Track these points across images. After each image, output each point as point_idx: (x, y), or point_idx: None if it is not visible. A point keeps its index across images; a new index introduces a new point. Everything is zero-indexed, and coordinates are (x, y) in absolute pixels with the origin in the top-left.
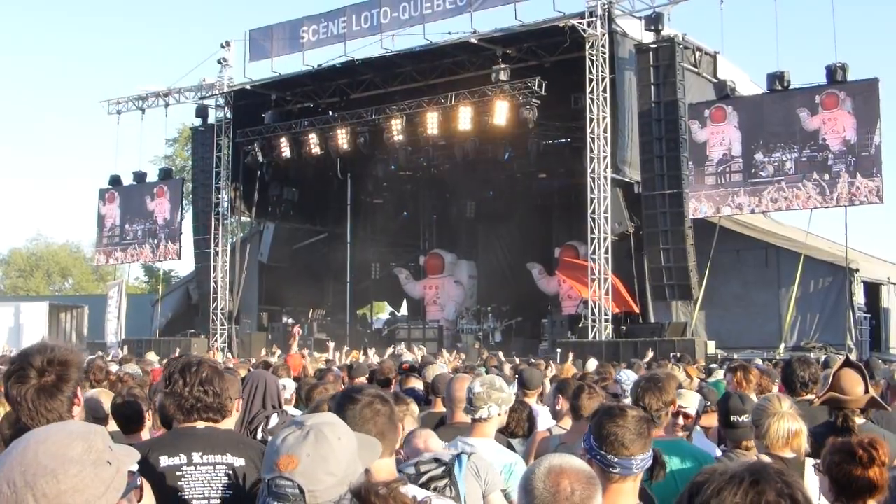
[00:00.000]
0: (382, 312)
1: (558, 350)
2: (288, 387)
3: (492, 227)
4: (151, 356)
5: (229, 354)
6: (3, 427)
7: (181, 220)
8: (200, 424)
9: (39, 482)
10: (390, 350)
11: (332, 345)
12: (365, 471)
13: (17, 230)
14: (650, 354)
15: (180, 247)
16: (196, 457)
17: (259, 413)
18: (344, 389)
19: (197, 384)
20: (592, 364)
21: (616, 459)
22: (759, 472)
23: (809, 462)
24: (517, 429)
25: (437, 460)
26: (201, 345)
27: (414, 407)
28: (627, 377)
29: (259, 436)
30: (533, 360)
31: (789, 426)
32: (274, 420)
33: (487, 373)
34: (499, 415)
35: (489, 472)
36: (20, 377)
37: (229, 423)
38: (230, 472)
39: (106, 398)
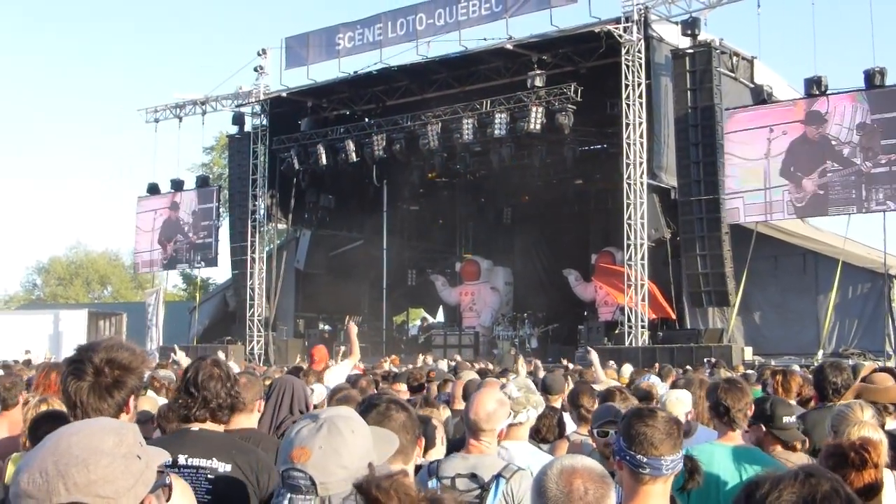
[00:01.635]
0: (418, 319)
1: (590, 351)
2: (317, 392)
3: (528, 233)
4: (181, 356)
5: (261, 361)
6: (164, 418)
7: (219, 227)
8: (195, 427)
9: (71, 471)
10: (421, 359)
11: (342, 349)
12: (369, 465)
13: (57, 238)
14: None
15: (217, 254)
16: (182, 459)
17: (287, 418)
18: (367, 396)
19: (190, 386)
20: (628, 370)
21: (645, 459)
22: (813, 468)
23: (889, 475)
24: (548, 434)
25: (474, 476)
26: (238, 352)
27: (442, 412)
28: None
29: None
30: (571, 366)
31: (870, 436)
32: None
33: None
34: (534, 418)
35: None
36: (77, 371)
37: (246, 422)
38: (211, 476)
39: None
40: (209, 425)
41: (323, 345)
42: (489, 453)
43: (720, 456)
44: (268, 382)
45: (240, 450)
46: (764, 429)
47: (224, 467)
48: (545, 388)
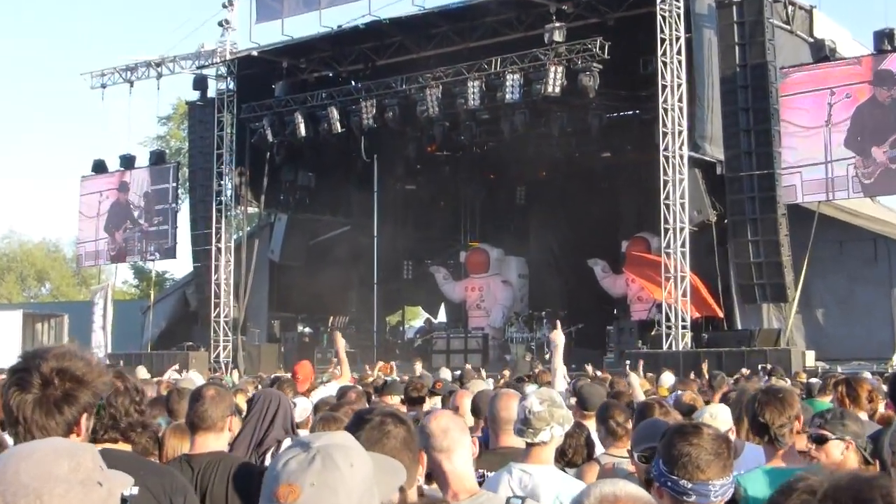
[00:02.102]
0: (416, 319)
1: (627, 362)
2: (300, 407)
3: (546, 216)
4: (142, 371)
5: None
6: None
7: (177, 211)
8: (98, 448)
9: (20, 503)
10: (418, 367)
11: (334, 369)
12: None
13: None
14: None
15: (176, 244)
16: None
17: (269, 436)
18: (357, 410)
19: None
20: (668, 379)
21: (690, 485)
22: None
23: None
24: (575, 456)
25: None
26: (201, 359)
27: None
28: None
29: (268, 461)
30: (599, 374)
31: None
32: (286, 445)
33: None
34: (560, 436)
35: None
36: (22, 382)
37: (214, 443)
38: None
39: None
40: (120, 446)
41: (308, 360)
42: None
43: (764, 483)
44: (240, 397)
45: (151, 471)
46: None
47: (131, 491)
48: (581, 403)
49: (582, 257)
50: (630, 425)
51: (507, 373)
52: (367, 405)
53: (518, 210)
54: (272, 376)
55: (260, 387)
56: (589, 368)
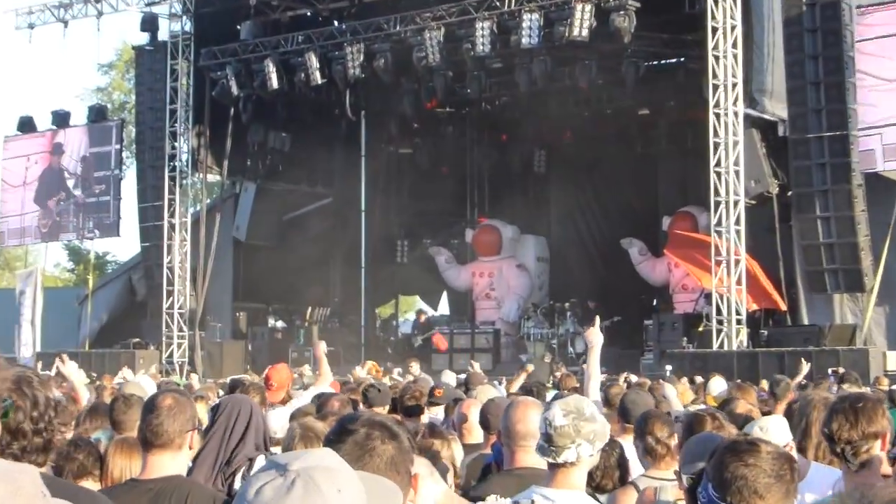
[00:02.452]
0: (413, 311)
1: (668, 367)
2: (276, 419)
3: (571, 186)
4: (71, 369)
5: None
6: None
7: (121, 179)
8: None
9: None
10: (415, 368)
11: (305, 370)
12: None
13: None
14: (805, 368)
15: (119, 219)
16: None
17: (238, 455)
18: (340, 418)
19: None
20: (719, 385)
21: None
22: None
23: None
24: (605, 480)
25: None
26: (150, 360)
27: (458, 448)
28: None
29: (237, 485)
30: (637, 380)
31: None
32: (259, 464)
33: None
34: (591, 456)
35: None
36: None
37: (170, 465)
38: None
39: None
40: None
41: (284, 363)
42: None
43: None
44: (200, 406)
45: (71, 492)
46: None
47: None
48: (624, 415)
49: (614, 237)
50: (674, 441)
51: (523, 376)
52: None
53: (536, 179)
54: (231, 379)
55: (223, 393)
56: (629, 377)
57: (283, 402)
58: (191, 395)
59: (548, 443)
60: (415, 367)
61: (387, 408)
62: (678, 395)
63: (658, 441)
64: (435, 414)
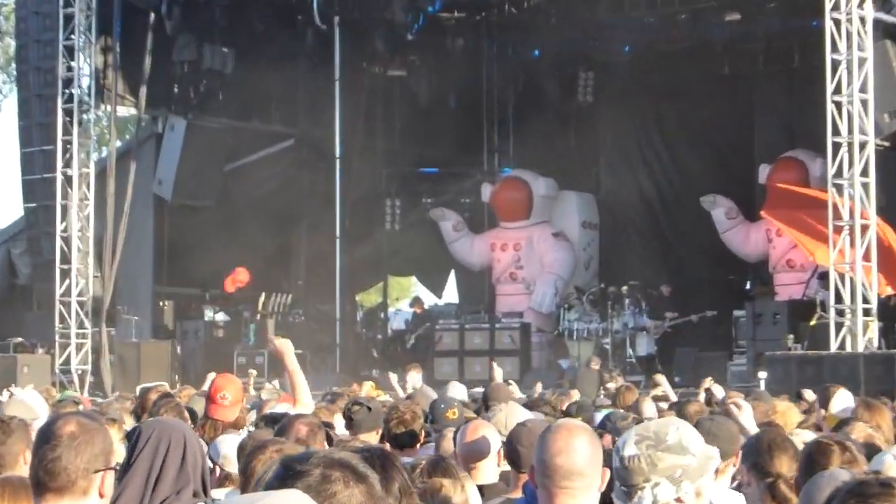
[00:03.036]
0: (408, 298)
1: (762, 376)
2: (224, 448)
3: (629, 123)
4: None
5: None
6: None
7: None
8: None
9: None
10: (411, 379)
11: (253, 373)
12: None
13: None
14: None
15: None
16: None
17: (170, 500)
18: (284, 458)
19: None
20: (844, 400)
21: None
22: None
23: None
24: None
25: None
26: (39, 368)
27: (473, 491)
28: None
29: None
30: (719, 393)
31: None
32: None
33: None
34: (678, 501)
35: None
36: None
37: None
38: None
39: None
40: None
41: (228, 374)
42: None
43: None
44: (113, 432)
45: None
46: None
47: None
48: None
49: (691, 193)
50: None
51: (572, 393)
52: (328, 445)
53: (581, 113)
54: (141, 388)
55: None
56: (711, 388)
57: (236, 425)
58: (102, 418)
59: (620, 482)
60: (413, 377)
61: (378, 433)
62: (777, 415)
63: (787, 483)
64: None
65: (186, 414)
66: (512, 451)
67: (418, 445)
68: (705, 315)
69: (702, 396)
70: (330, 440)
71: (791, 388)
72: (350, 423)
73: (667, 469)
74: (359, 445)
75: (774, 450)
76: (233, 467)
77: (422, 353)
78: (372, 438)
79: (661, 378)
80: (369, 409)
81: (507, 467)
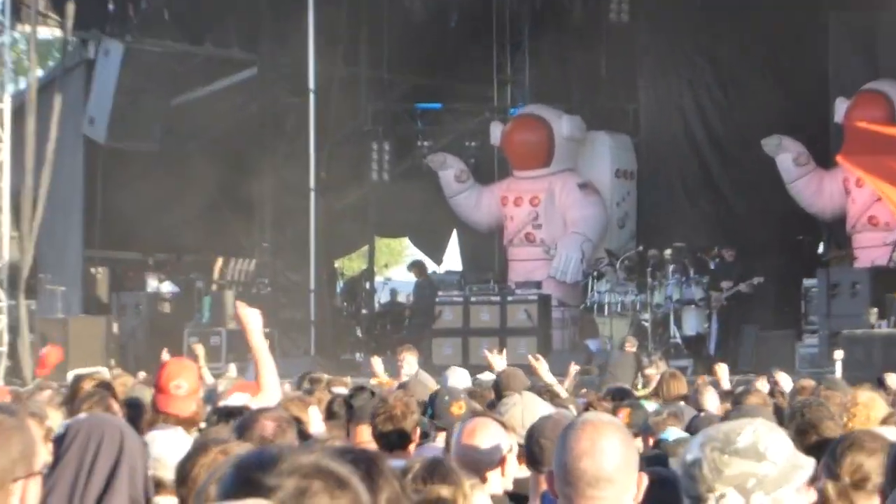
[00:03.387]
0: (398, 266)
1: (838, 356)
2: (173, 449)
3: (672, 47)
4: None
5: None
6: None
7: None
8: None
9: None
10: (410, 359)
11: (201, 349)
12: None
13: None
14: None
15: None
16: None
17: None
18: (235, 464)
19: None
20: None
21: None
22: None
23: None
24: None
25: None
26: None
27: (481, 499)
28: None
29: None
30: (782, 382)
31: None
32: None
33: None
34: None
35: None
36: None
37: None
38: None
39: None
40: None
41: (180, 357)
42: None
43: None
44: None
45: None
46: None
47: None
48: None
49: (751, 135)
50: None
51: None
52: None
53: (614, 34)
54: (73, 374)
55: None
56: (776, 377)
57: (193, 421)
58: (22, 413)
59: (685, 493)
60: (409, 362)
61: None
62: (859, 407)
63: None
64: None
65: (117, 408)
66: (533, 448)
67: (411, 447)
68: (752, 283)
69: (759, 384)
70: (305, 440)
71: (873, 373)
72: (350, 412)
73: (735, 477)
74: (338, 445)
75: (853, 443)
76: (167, 472)
77: (417, 331)
78: (365, 432)
79: (722, 369)
80: (373, 393)
81: (524, 473)
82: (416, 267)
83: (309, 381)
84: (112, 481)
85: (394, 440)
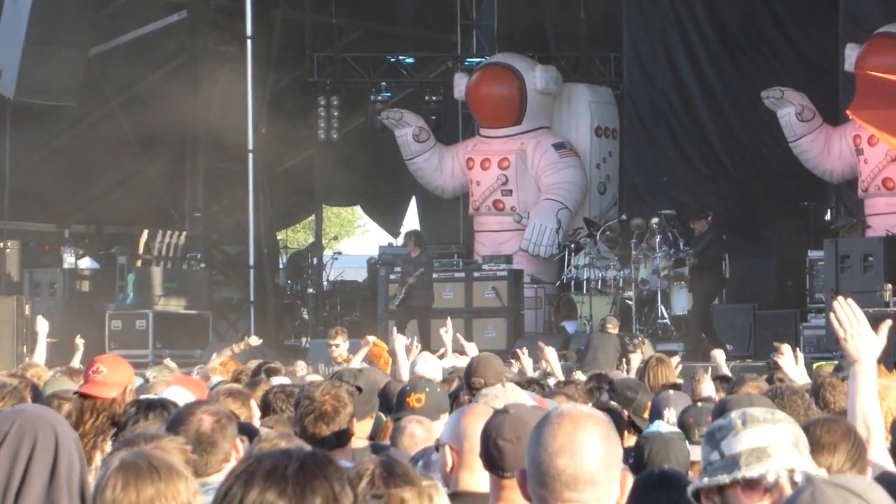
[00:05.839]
0: (350, 235)
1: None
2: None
3: None
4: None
5: None
6: None
7: None
8: None
9: None
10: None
11: (81, 343)
12: None
13: None
14: None
15: None
16: None
17: None
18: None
19: None
20: None
21: None
22: None
23: None
24: None
25: None
26: None
27: (442, 501)
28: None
29: None
30: (787, 364)
31: None
32: None
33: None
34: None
35: None
36: None
37: None
38: None
39: None
40: None
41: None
42: None
43: None
44: None
45: None
46: None
47: None
48: None
49: (750, 86)
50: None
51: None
52: (242, 444)
53: None
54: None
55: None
56: (777, 357)
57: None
58: None
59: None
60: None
61: (372, 419)
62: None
63: None
64: (413, 438)
65: (30, 401)
66: (491, 448)
67: (350, 444)
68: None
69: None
70: (251, 436)
71: (889, 357)
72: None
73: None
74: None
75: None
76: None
77: (369, 312)
78: (366, 428)
79: (719, 354)
80: (360, 389)
81: None
82: (413, 239)
83: (266, 371)
84: (50, 487)
85: (330, 441)
